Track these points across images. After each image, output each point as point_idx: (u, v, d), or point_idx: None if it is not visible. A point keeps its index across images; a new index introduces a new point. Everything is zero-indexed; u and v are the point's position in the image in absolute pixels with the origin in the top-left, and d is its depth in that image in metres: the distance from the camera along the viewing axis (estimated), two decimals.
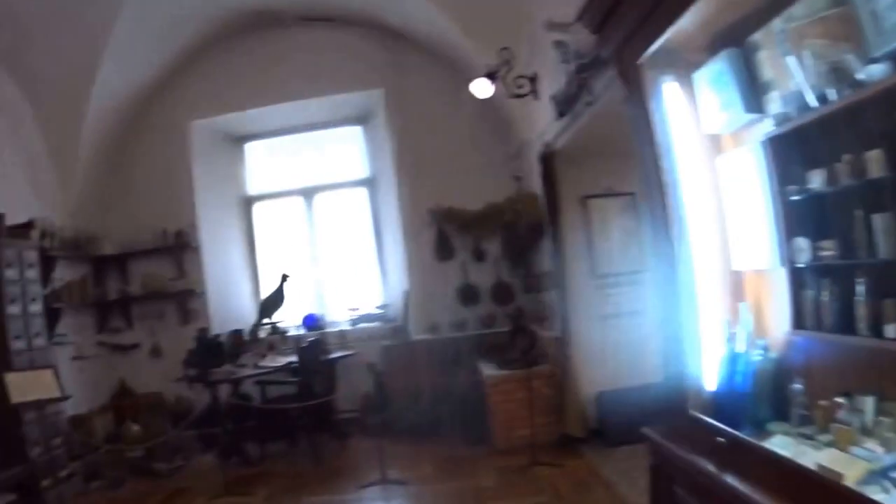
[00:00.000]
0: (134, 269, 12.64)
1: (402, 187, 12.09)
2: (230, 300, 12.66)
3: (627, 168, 9.09)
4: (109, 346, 12.43)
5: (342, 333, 12.01)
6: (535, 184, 10.26)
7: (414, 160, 12.05)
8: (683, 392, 4.42)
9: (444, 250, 12.00)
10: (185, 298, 12.30)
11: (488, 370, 9.98)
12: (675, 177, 4.44)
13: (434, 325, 11.68)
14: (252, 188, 13.42)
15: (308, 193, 13.22)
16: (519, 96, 9.32)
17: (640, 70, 4.50)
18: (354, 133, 13.17)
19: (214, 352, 10.65)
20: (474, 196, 11.95)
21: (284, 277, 11.82)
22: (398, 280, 12.28)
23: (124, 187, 12.56)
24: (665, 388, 4.76)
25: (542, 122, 9.45)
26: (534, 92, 9.27)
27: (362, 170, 13.08)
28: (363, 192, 13.10)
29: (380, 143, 12.57)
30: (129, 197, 12.56)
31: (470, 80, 9.51)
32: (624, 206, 9.96)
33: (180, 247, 12.26)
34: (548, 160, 9.48)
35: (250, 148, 13.45)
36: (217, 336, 11.10)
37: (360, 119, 13.03)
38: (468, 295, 11.95)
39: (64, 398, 8.84)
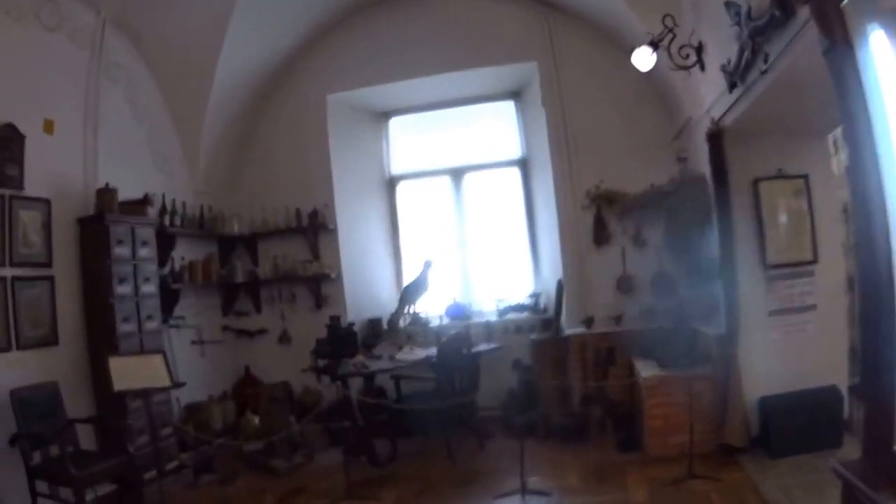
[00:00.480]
0: (264, 251, 12.73)
1: (558, 167, 11.69)
2: (368, 286, 12.57)
3: (799, 148, 9.03)
4: (235, 330, 12.59)
5: (488, 325, 11.82)
6: (702, 165, 9.77)
7: (570, 139, 11.75)
8: (889, 417, 3.73)
9: (601, 236, 11.62)
10: (319, 283, 12.22)
11: (645, 370, 9.48)
12: (891, 144, 3.81)
13: (588, 318, 11.21)
14: (395, 167, 13.31)
15: (456, 173, 13.10)
16: (684, 68, 8.82)
17: (844, 14, 3.99)
18: (506, 109, 12.93)
19: (347, 341, 10.44)
20: (635, 178, 11.53)
21: (428, 264, 11.85)
22: (551, 268, 12.00)
23: (255, 164, 12.66)
24: (861, 404, 4.14)
25: (709, 97, 9.02)
26: (700, 62, 8.81)
27: (514, 149, 12.83)
28: (515, 173, 12.88)
29: (534, 120, 12.24)
30: (261, 175, 12.64)
31: (630, 51, 9.11)
32: (795, 191, 9.28)
33: (315, 228, 12.19)
34: (716, 139, 8.90)
35: (394, 124, 13.25)
36: (351, 325, 10.87)
37: (513, 94, 12.75)
38: (627, 285, 11.53)
39: (175, 385, 8.73)
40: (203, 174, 11.83)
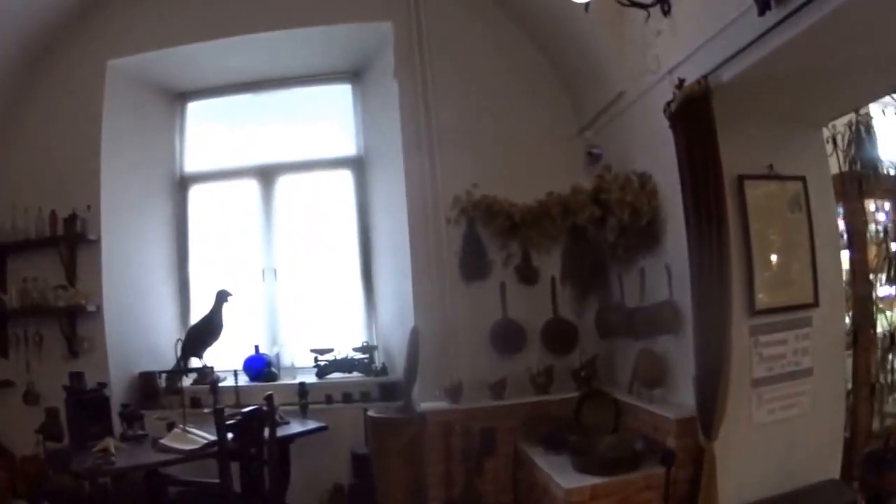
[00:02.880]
0: (15, 270, 7.54)
1: (414, 164, 7.09)
2: (141, 326, 7.70)
3: (790, 139, 5.77)
4: None
5: (303, 389, 7.09)
6: (633, 162, 6.21)
7: (433, 125, 7.15)
8: None
9: (475, 265, 7.01)
10: (74, 319, 7.27)
11: (559, 474, 5.39)
12: None
13: (454, 385, 6.62)
14: (190, 164, 8.42)
15: (266, 175, 8.21)
16: (639, 5, 5.33)
17: None
18: (340, 95, 8.27)
19: (95, 414, 6.44)
20: (524, 183, 7.12)
21: (223, 297, 7.21)
22: (395, 310, 7.46)
23: (18, 150, 7.59)
24: None
25: (677, 50, 5.36)
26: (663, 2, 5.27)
27: (348, 145, 8.15)
28: (347, 177, 8.15)
29: (378, 107, 7.75)
30: (21, 163, 7.53)
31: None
32: (791, 199, 5.68)
33: (71, 239, 7.23)
34: (696, 106, 4.97)
35: (194, 109, 8.39)
36: (101, 387, 6.62)
37: (351, 75, 8.20)
38: (510, 337, 6.95)
39: None
40: None
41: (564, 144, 7.25)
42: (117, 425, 6.46)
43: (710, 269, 4.89)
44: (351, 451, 6.65)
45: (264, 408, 5.84)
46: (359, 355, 7.31)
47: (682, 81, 5.04)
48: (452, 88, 7.14)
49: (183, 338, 7.10)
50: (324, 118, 8.20)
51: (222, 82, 8.14)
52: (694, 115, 4.92)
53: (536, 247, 7.05)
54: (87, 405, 6.40)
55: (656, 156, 5.66)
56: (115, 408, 6.66)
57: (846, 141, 6.53)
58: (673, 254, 5.55)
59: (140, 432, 6.24)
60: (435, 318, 6.76)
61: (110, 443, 5.55)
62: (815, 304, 5.59)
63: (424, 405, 6.44)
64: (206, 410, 6.48)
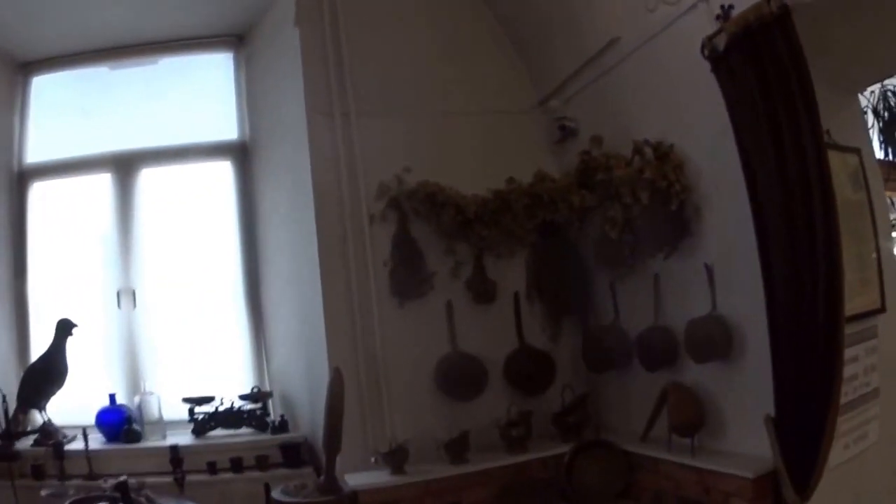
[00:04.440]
0: None
1: (323, 147, 4.61)
2: None
3: (845, 100, 4.02)
4: None
5: (176, 455, 4.57)
6: (652, 125, 4.07)
7: (348, 87, 4.69)
8: None
9: (410, 278, 4.61)
10: None
11: None
12: None
13: (394, 450, 4.19)
14: (32, 153, 5.72)
15: (125, 167, 5.55)
16: None
17: None
18: (219, 64, 5.70)
19: None
20: (474, 167, 4.80)
21: (65, 329, 4.86)
22: (301, 344, 4.95)
23: None
24: None
25: None
26: None
27: (229, 127, 5.61)
28: (228, 169, 5.57)
29: (272, 74, 5.28)
30: None
31: None
32: (851, 175, 3.84)
33: None
34: (760, 42, 3.10)
35: (40, 84, 5.76)
36: None
37: (234, 39, 5.69)
38: (464, 376, 4.59)
39: None
40: None
41: (518, 120, 5.03)
42: None
43: (804, 264, 3.07)
44: None
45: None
46: (248, 405, 4.87)
47: (727, 8, 3.31)
48: (373, 40, 4.80)
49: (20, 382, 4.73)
50: (198, 95, 5.68)
51: (74, 48, 5.60)
52: (765, 49, 3.12)
53: (494, 252, 4.72)
54: None
55: (678, 118, 3.91)
56: None
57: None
58: (716, 249, 3.76)
59: None
60: (358, 353, 4.45)
61: None
62: (882, 308, 3.83)
63: (353, 478, 4.11)
64: (44, 493, 4.12)
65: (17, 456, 4.47)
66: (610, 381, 4.60)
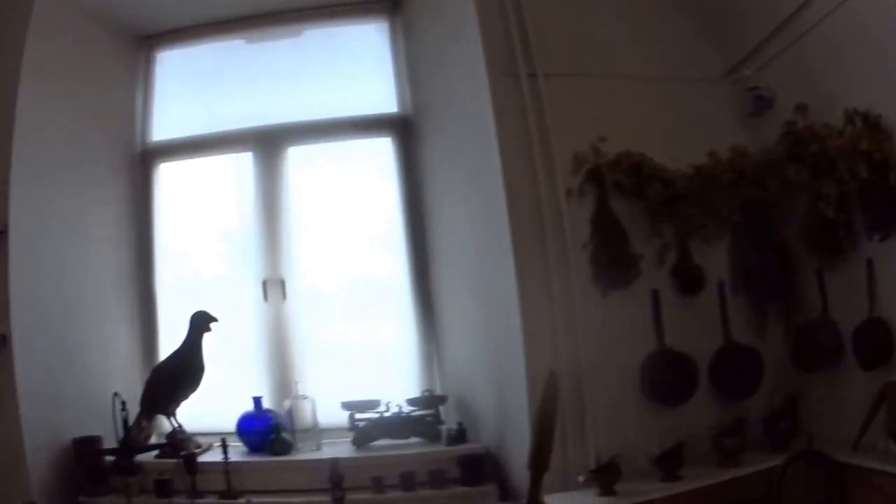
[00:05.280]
0: None
1: (509, 113, 3.68)
2: (79, 365, 4.27)
3: None
4: None
5: (336, 472, 3.57)
6: (859, 92, 3.22)
7: (533, 52, 3.75)
8: None
9: (613, 262, 3.66)
10: None
11: None
12: None
13: (605, 465, 3.28)
14: (158, 132, 5.00)
15: (270, 145, 4.77)
16: None
17: None
18: (371, 33, 4.93)
19: None
20: (671, 139, 3.84)
21: (202, 324, 3.99)
22: (482, 341, 4.07)
23: None
24: None
25: None
26: None
27: (385, 101, 4.82)
28: (388, 146, 4.74)
29: (438, 38, 4.46)
30: None
31: None
32: None
33: None
34: None
35: (164, 59, 5.06)
36: None
37: (388, 4, 4.87)
38: (673, 378, 3.62)
39: None
40: None
41: (705, 90, 4.07)
42: None
43: None
44: None
45: None
46: (418, 411, 3.99)
47: None
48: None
49: (144, 385, 3.96)
50: (348, 67, 4.87)
51: (202, 18, 4.89)
52: None
53: (698, 235, 3.82)
54: None
55: (884, 84, 3.17)
56: None
57: None
58: None
59: None
60: (558, 351, 3.53)
61: None
62: None
63: (554, 501, 3.18)
64: None
65: (137, 469, 3.66)
66: (819, 382, 3.73)
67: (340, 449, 4.00)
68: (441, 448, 3.93)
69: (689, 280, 3.79)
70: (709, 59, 4.14)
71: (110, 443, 4.00)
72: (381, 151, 4.71)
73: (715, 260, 3.88)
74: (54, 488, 3.92)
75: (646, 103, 3.91)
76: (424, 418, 4.05)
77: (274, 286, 4.55)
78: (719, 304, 3.83)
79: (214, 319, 3.96)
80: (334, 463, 3.63)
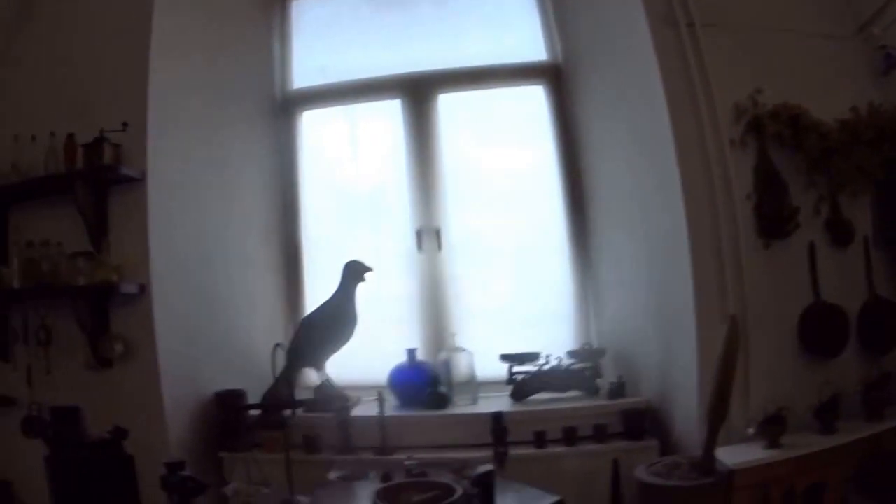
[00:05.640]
0: (21, 230, 3.98)
1: (672, 62, 3.55)
2: (220, 316, 4.09)
3: None
4: None
5: (499, 424, 3.44)
6: None
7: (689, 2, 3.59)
8: None
9: (774, 214, 3.52)
10: (104, 306, 3.71)
11: None
12: None
13: (771, 416, 3.25)
14: (300, 78, 4.81)
15: (417, 90, 4.52)
16: None
17: None
18: None
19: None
20: (820, 91, 3.67)
21: (356, 273, 3.80)
22: (643, 293, 3.92)
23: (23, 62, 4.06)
24: None
25: None
26: None
27: (536, 49, 4.55)
28: (540, 95, 4.46)
29: None
30: (14, 76, 4.05)
31: None
32: None
33: (95, 176, 3.69)
34: None
35: (301, 6, 4.89)
36: (117, 436, 3.14)
37: None
38: (827, 331, 3.52)
39: None
40: None
41: (837, 46, 3.89)
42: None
43: None
44: None
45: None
46: (577, 364, 3.82)
47: None
48: None
49: (291, 337, 3.78)
50: (498, 12, 4.64)
51: None
52: None
53: (847, 190, 3.69)
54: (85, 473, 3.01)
55: None
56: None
57: None
58: None
59: None
60: (727, 303, 3.42)
61: None
62: None
63: (730, 455, 3.09)
64: (333, 476, 3.24)
65: (284, 424, 3.42)
66: None
67: (497, 403, 3.81)
68: (603, 402, 3.78)
69: (840, 233, 3.69)
70: (842, 16, 3.98)
71: (254, 397, 3.81)
72: (534, 100, 4.48)
73: (859, 215, 3.75)
74: (193, 443, 3.74)
75: (792, 56, 3.77)
76: (583, 372, 3.89)
77: (428, 236, 4.37)
78: (864, 259, 3.74)
79: (369, 269, 3.76)
80: (498, 416, 3.49)
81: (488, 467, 2.75)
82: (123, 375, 3.68)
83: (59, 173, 3.78)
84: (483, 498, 2.64)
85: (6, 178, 3.93)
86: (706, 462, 3.02)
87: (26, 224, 3.98)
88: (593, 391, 3.89)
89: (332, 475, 3.26)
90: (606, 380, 3.93)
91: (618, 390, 3.79)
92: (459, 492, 2.61)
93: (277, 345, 3.66)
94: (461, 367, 3.94)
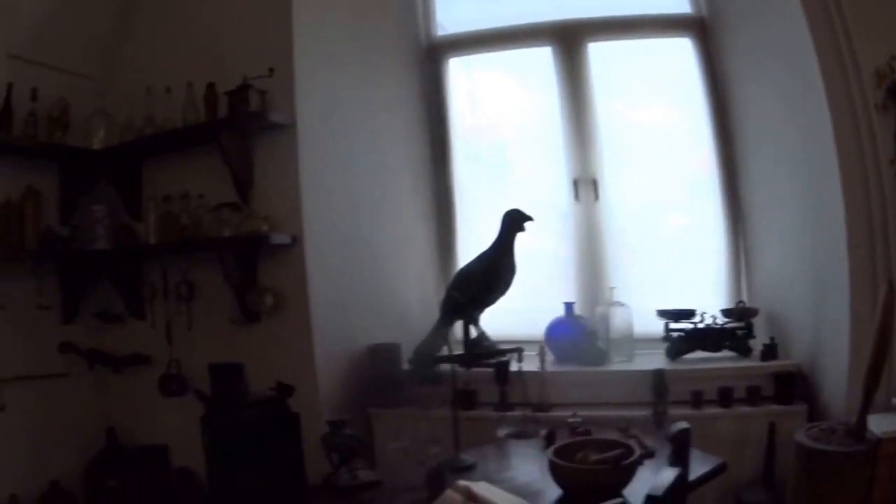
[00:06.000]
0: (155, 185, 3.97)
1: (822, 25, 3.30)
2: (373, 269, 3.93)
3: None
4: (86, 353, 3.94)
5: (661, 382, 3.30)
6: None
7: None
8: None
9: None
10: (253, 258, 3.59)
11: None
12: None
13: None
14: (446, 23, 4.54)
15: (567, 38, 4.17)
16: None
17: None
18: None
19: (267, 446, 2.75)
20: None
21: (516, 222, 3.40)
22: (798, 252, 3.67)
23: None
24: None
25: None
26: None
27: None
28: (687, 47, 4.15)
29: None
30: (162, 26, 3.93)
31: None
32: None
33: (241, 124, 3.51)
34: None
35: None
36: (281, 392, 2.93)
37: None
38: None
39: None
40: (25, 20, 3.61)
41: None
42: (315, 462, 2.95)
43: None
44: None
45: None
46: (730, 323, 3.73)
47: None
48: None
49: (446, 289, 3.59)
50: None
51: None
52: None
53: None
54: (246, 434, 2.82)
55: None
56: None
57: None
58: None
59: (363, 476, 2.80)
60: (876, 268, 3.25)
61: None
62: None
63: (874, 424, 2.90)
64: (502, 433, 3.15)
65: (438, 379, 3.32)
66: None
67: (652, 360, 3.70)
68: (756, 363, 3.63)
69: None
70: None
71: (406, 352, 3.66)
72: (681, 54, 4.20)
73: None
74: (342, 399, 3.59)
75: None
76: (736, 331, 3.75)
77: (585, 185, 4.19)
78: None
79: (529, 218, 3.53)
80: (659, 374, 3.38)
81: (684, 425, 2.64)
82: (272, 329, 3.56)
83: (201, 123, 3.60)
84: (677, 455, 2.55)
85: (140, 132, 3.74)
86: (859, 429, 2.96)
87: (161, 178, 3.79)
88: (745, 352, 3.74)
89: (501, 432, 3.18)
90: (759, 340, 3.76)
91: (768, 352, 3.65)
92: (639, 452, 2.50)
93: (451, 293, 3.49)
94: (618, 322, 3.79)
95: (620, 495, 2.22)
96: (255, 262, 3.59)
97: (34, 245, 3.71)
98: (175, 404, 3.73)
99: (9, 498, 3.62)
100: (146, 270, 3.90)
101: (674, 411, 3.35)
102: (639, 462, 2.40)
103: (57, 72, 3.87)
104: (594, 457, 2.39)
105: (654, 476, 2.18)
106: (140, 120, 3.79)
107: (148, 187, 3.90)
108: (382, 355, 3.66)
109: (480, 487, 2.23)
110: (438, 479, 2.47)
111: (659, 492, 1.92)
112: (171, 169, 3.83)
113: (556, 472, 2.36)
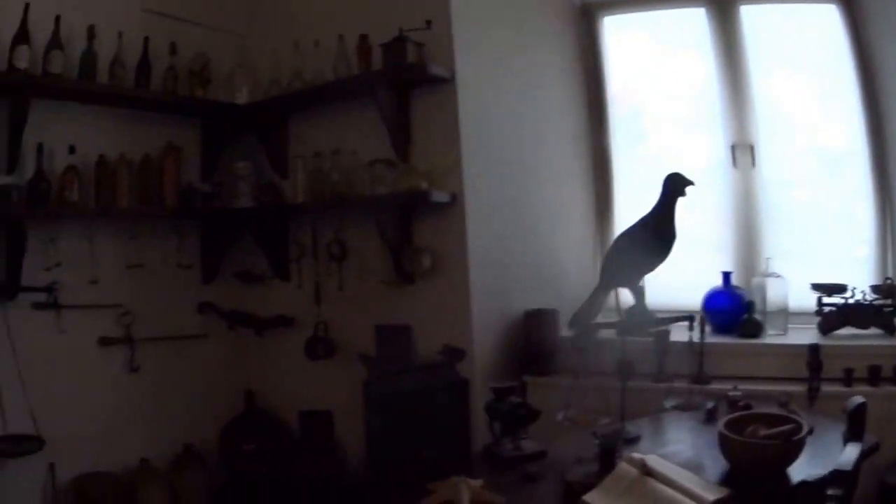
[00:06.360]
0: (302, 141, 3.84)
1: None
2: (529, 230, 3.69)
3: None
4: (226, 314, 3.92)
5: (815, 357, 3.13)
6: None
7: None
8: None
9: None
10: (409, 216, 3.42)
11: None
12: None
13: None
14: None
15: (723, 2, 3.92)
16: None
17: None
18: None
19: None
20: None
21: (678, 186, 3.08)
22: None
23: None
24: None
25: None
26: None
27: None
28: (833, 15, 3.81)
29: None
30: None
31: None
32: None
33: (398, 78, 3.36)
34: None
35: None
36: (452, 356, 2.91)
37: None
38: None
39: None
40: None
41: None
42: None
43: None
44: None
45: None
46: (879, 299, 3.55)
47: None
48: None
49: (605, 254, 3.49)
50: None
51: None
52: None
53: None
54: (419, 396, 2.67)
55: None
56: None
57: None
58: None
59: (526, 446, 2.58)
60: None
61: None
62: None
63: None
64: (669, 405, 2.98)
65: (595, 348, 3.10)
66: None
67: (804, 335, 3.52)
68: None
69: None
70: None
71: (564, 318, 3.46)
72: (827, 19, 3.89)
73: None
74: (497, 365, 3.40)
75: None
76: (881, 308, 3.55)
77: (743, 151, 3.94)
78: None
79: (690, 182, 3.34)
80: (814, 349, 3.22)
81: (860, 399, 2.45)
82: (427, 291, 3.39)
83: (355, 76, 3.42)
84: (854, 432, 2.35)
85: (288, 87, 3.56)
86: None
87: (310, 134, 3.62)
88: (892, 330, 3.53)
89: (668, 404, 3.05)
90: None
91: None
92: (807, 429, 2.32)
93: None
94: (773, 294, 3.61)
95: (785, 472, 2.14)
96: (410, 220, 3.46)
97: (174, 202, 3.62)
98: (319, 367, 3.57)
99: (139, 462, 3.50)
100: (292, 229, 3.76)
101: (827, 388, 3.18)
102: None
103: (195, 26, 3.78)
104: (763, 431, 2.26)
105: (814, 453, 2.18)
106: (287, 74, 3.65)
107: (295, 144, 3.77)
108: (540, 321, 3.50)
109: (653, 461, 2.12)
110: (611, 452, 2.30)
111: (848, 466, 1.91)
112: (322, 124, 3.71)
113: (727, 446, 2.24)
